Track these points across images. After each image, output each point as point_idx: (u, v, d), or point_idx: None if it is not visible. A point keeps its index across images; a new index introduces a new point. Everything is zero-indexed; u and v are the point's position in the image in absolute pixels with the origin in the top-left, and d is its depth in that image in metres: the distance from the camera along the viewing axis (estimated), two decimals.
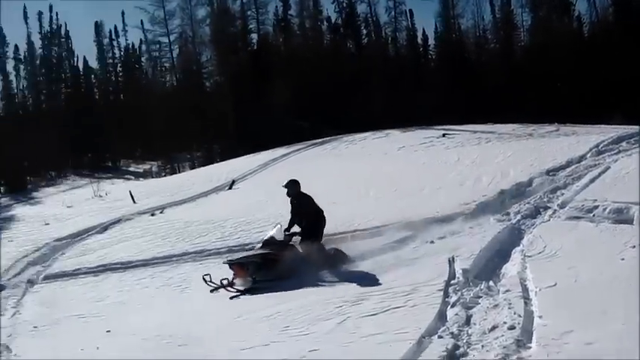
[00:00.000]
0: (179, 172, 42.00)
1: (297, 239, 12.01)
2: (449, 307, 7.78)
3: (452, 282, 8.70)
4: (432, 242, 12.41)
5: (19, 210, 25.23)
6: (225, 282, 11.02)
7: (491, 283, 8.38)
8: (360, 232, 14.77)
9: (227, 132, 44.75)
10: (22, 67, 55.43)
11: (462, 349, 6.40)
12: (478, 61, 50.60)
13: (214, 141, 48.40)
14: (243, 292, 10.94)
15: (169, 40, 55.25)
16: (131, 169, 49.75)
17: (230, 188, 24.53)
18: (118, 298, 11.94)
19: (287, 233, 11.98)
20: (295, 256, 11.61)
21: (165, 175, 42.30)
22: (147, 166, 49.08)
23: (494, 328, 6.82)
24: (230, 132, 44.55)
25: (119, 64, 58.92)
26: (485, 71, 45.84)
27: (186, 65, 55.07)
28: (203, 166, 39.95)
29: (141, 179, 41.03)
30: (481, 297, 7.94)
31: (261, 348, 7.43)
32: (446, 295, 8.21)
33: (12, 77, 54.69)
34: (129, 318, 10.29)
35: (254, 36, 55.08)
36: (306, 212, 12.07)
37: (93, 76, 57.63)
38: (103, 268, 14.16)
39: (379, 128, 32.27)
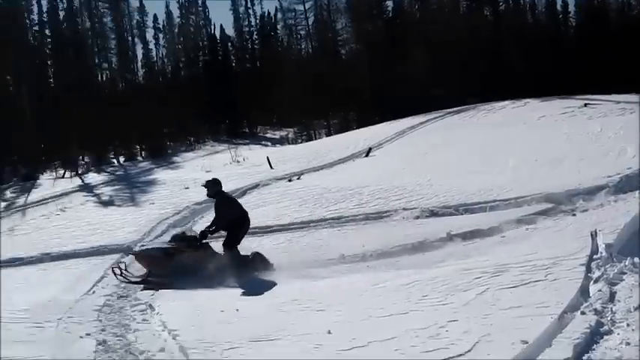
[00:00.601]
0: (315, 139, 42.13)
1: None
2: (591, 282, 7.25)
3: (594, 257, 8.07)
4: (573, 215, 11.96)
5: (160, 174, 25.89)
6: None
7: (636, 259, 7.60)
8: (498, 202, 14.35)
9: (362, 99, 44.38)
10: (160, 36, 57.31)
11: (605, 327, 5.91)
12: (620, 28, 47.58)
13: (350, 108, 48.18)
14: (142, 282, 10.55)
15: (305, 8, 55.57)
16: (267, 135, 50.44)
17: (367, 156, 24.28)
18: None
19: (201, 230, 11.39)
20: (202, 256, 10.99)
21: (301, 142, 42.54)
22: (283, 133, 49.59)
23: None
24: (365, 100, 44.18)
25: (255, 32, 59.82)
26: (629, 38, 42.94)
27: (321, 33, 55.13)
28: (339, 133, 39.89)
29: (277, 146, 41.51)
30: (625, 273, 7.29)
31: (398, 316, 7.07)
32: (588, 270, 7.66)
33: (151, 46, 56.65)
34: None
35: (389, 3, 54.42)
36: (218, 215, 11.42)
37: (229, 44, 58.68)
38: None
39: (518, 97, 31.20)
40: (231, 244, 11.21)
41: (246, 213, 11.63)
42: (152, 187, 22.52)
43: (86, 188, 24.48)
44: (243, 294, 9.15)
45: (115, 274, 10.60)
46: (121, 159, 37.83)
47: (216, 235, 11.61)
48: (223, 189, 11.89)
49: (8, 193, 26.53)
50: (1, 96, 38.77)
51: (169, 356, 6.57)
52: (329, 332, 6.73)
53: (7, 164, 36.24)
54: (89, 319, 8.13)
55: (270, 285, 9.70)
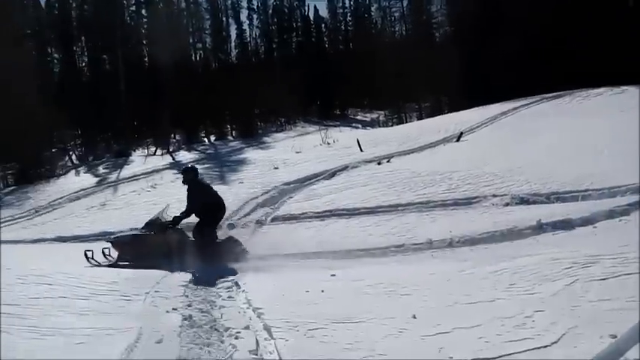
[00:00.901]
0: (406, 122, 41.74)
1: None
2: None
3: None
4: None
5: (250, 154, 26.11)
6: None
7: None
8: (591, 192, 13.90)
9: (455, 84, 43.60)
10: (254, 16, 57.56)
11: None
12: None
13: (442, 92, 47.45)
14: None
15: None
16: (358, 117, 50.31)
17: (458, 140, 23.81)
18: (343, 243, 11.69)
19: (174, 216, 11.31)
20: (172, 239, 11.04)
21: (392, 125, 42.20)
22: (374, 115, 49.35)
23: None
24: (458, 84, 43.38)
25: (349, 14, 59.54)
26: None
27: (415, 15, 54.45)
28: (430, 117, 39.38)
29: (368, 128, 41.31)
30: None
31: (484, 304, 6.83)
32: None
33: (245, 26, 56.97)
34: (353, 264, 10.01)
35: None
36: (189, 201, 11.42)
37: (323, 25, 58.64)
38: (329, 213, 14.04)
39: (615, 84, 29.98)
40: (202, 228, 11.30)
41: (220, 200, 11.76)
42: (242, 166, 22.71)
43: (177, 166, 24.91)
44: (330, 276, 9.01)
45: (86, 257, 10.71)
46: (212, 138, 38.34)
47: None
48: (200, 177, 12.53)
49: (101, 169, 27.33)
50: (98, 74, 39.90)
51: (254, 334, 6.50)
52: (414, 317, 6.52)
53: (101, 141, 37.31)
54: (175, 295, 8.17)
55: (356, 268, 9.51)
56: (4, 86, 29.51)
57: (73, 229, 15.50)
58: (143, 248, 10.98)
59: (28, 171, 29.14)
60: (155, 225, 11.36)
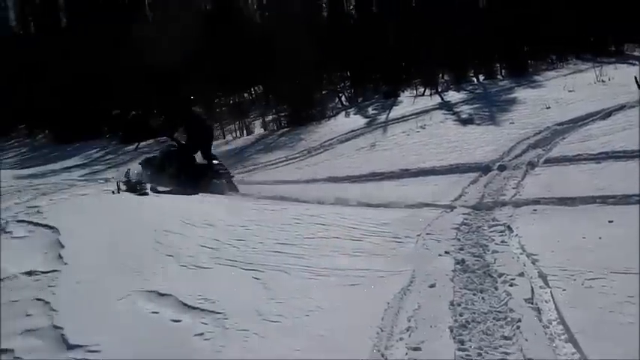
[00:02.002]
0: None
1: None
2: None
3: None
4: None
5: (520, 93, 25.16)
6: None
7: None
8: None
9: None
10: None
11: None
12: None
13: None
14: None
15: None
16: (636, 53, 46.57)
17: None
18: (621, 188, 10.79)
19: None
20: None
21: None
22: None
23: None
24: None
25: None
26: None
27: None
28: None
29: None
30: None
31: None
32: None
33: None
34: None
35: None
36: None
37: None
38: (605, 155, 13.12)
39: None
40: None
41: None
42: (511, 106, 22.03)
43: (445, 106, 24.79)
44: (608, 222, 8.40)
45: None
46: (481, 77, 37.57)
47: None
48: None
49: (370, 110, 27.96)
50: (365, 17, 40.70)
51: (529, 282, 6.30)
52: None
53: (370, 82, 38.11)
54: (447, 237, 8.14)
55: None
56: (276, 31, 31.19)
57: (344, 170, 16.00)
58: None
59: (299, 113, 30.56)
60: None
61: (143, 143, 29.99)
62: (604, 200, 9.62)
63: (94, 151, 33.49)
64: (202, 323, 5.61)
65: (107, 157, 30.36)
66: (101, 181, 16.08)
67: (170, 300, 6.10)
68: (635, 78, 22.29)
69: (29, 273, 7.04)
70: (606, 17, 40.45)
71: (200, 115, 15.20)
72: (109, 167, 25.45)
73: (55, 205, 10.48)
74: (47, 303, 6.16)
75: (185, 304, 5.98)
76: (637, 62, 35.08)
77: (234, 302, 6.03)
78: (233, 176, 14.47)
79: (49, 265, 7.26)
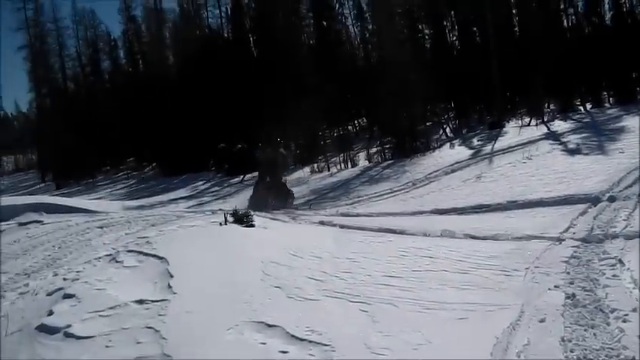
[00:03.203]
0: None
1: None
2: None
3: None
4: None
5: (630, 121, 24.53)
6: None
7: None
8: None
9: None
10: None
11: None
12: None
13: None
14: None
15: None
16: None
17: None
18: None
19: None
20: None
21: None
22: None
23: None
24: None
25: None
26: None
27: None
28: None
29: None
30: None
31: None
32: None
33: None
34: None
35: None
36: None
37: None
38: None
39: None
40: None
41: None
42: (620, 134, 21.52)
43: (552, 136, 24.46)
44: None
45: None
46: (588, 106, 36.79)
47: None
48: None
49: (475, 141, 27.85)
50: (468, 47, 40.56)
51: None
52: None
53: (474, 113, 37.91)
54: (557, 271, 8.09)
55: None
56: (380, 63, 31.54)
57: (449, 202, 15.98)
58: None
59: (404, 144, 30.71)
60: None
61: (248, 176, 30.73)
62: None
63: (200, 183, 34.55)
64: (310, 355, 5.83)
65: (213, 189, 31.26)
66: (208, 213, 16.61)
67: (278, 331, 6.35)
68: None
69: (140, 302, 7.46)
70: None
71: (265, 155, 20.24)
72: (216, 199, 26.19)
73: (164, 236, 11.00)
74: (157, 331, 6.54)
75: (293, 336, 6.21)
76: None
77: (342, 334, 6.22)
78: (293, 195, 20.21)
79: (158, 295, 7.68)
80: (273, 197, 19.35)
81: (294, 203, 19.70)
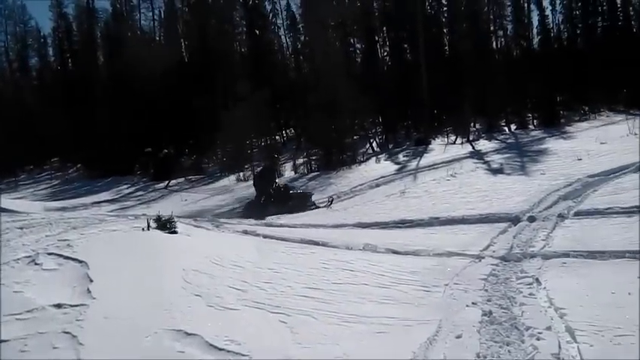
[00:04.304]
0: None
1: None
2: None
3: None
4: None
5: (552, 144, 25.20)
6: None
7: None
8: None
9: None
10: (557, 1, 54.58)
11: None
12: None
13: None
14: None
15: None
16: None
17: None
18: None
19: None
20: None
21: None
22: None
23: None
24: None
25: None
26: None
27: None
28: None
29: None
30: None
31: None
32: None
33: (548, 12, 54.24)
34: None
35: None
36: None
37: (631, 8, 54.01)
38: (637, 209, 12.98)
39: None
40: None
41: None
42: (543, 156, 22.04)
43: (476, 155, 24.89)
44: (638, 278, 8.31)
45: None
46: (512, 127, 37.63)
47: None
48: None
49: (401, 157, 28.14)
50: (398, 64, 41.01)
51: (556, 336, 6.26)
52: None
53: (401, 129, 38.32)
54: (475, 288, 8.13)
55: None
56: (310, 75, 31.60)
57: (373, 216, 16.04)
58: None
59: (331, 157, 30.79)
60: None
61: (173, 181, 30.27)
62: (634, 255, 9.52)
63: (125, 187, 33.97)
64: None
65: (137, 194, 30.78)
66: (131, 217, 16.23)
67: (196, 340, 6.19)
68: None
69: (58, 306, 7.17)
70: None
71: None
72: (140, 203, 25.74)
73: (85, 240, 10.63)
74: (74, 336, 6.28)
75: (211, 345, 6.06)
76: None
77: (261, 345, 6.10)
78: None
79: (77, 299, 7.39)
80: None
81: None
